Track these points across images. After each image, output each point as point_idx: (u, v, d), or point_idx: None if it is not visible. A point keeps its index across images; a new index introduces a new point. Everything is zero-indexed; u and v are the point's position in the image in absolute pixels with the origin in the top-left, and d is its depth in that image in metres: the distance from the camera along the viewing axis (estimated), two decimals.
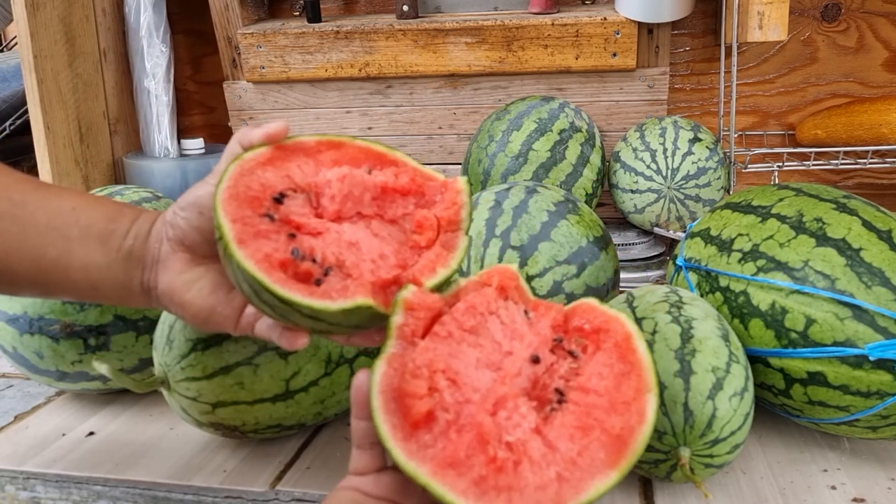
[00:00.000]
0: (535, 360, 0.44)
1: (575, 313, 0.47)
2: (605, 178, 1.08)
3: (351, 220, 0.47)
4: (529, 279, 0.67)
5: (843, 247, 0.57)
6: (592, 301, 0.47)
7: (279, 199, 0.46)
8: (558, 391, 0.43)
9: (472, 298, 0.46)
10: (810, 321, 0.56)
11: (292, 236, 0.45)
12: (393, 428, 0.39)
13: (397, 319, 0.43)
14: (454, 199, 0.48)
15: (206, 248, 0.49)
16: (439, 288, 0.46)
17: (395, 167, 0.49)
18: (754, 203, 0.66)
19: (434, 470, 0.38)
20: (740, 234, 0.64)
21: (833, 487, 0.57)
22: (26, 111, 1.17)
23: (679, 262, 0.71)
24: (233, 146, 0.49)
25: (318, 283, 0.43)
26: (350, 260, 0.45)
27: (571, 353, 0.45)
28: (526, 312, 0.47)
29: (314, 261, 0.44)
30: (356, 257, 0.46)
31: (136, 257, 0.50)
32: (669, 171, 1.00)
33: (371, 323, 0.46)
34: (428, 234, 0.48)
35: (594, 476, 0.39)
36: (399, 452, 0.39)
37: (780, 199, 0.64)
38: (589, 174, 1.02)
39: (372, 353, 0.63)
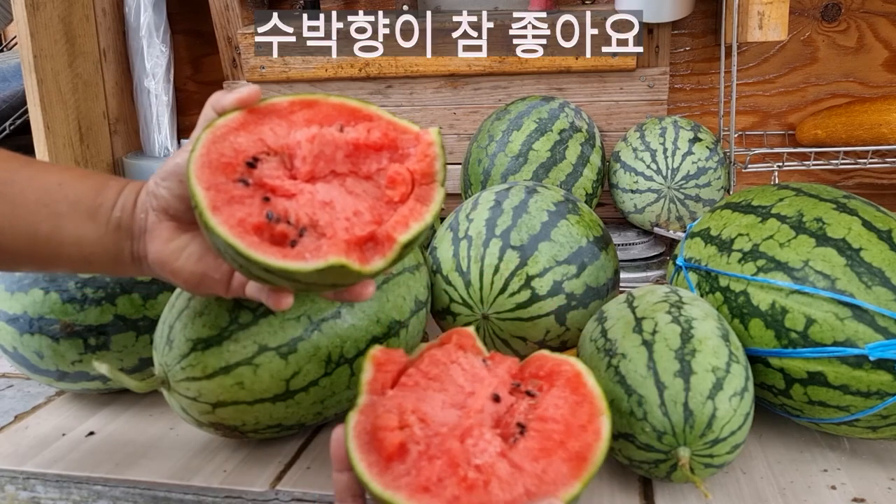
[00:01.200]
0: (496, 398, 0.48)
1: (529, 363, 0.52)
2: (605, 178, 1.08)
3: (325, 180, 0.48)
4: (529, 279, 0.67)
5: (843, 247, 0.57)
6: (544, 352, 0.52)
7: (252, 164, 0.46)
8: (520, 425, 0.46)
9: (434, 352, 0.50)
10: (810, 321, 0.56)
11: (266, 200, 0.45)
12: (369, 465, 0.41)
13: (366, 376, 0.47)
14: (426, 151, 0.48)
15: (191, 216, 0.49)
16: (411, 243, 0.46)
17: (369, 122, 0.49)
18: (754, 203, 0.66)
19: (410, 495, 0.40)
20: (740, 234, 0.64)
21: (833, 487, 0.57)
22: (26, 111, 1.17)
23: (679, 262, 0.71)
24: (207, 112, 0.49)
25: (293, 244, 0.44)
26: (324, 219, 0.46)
27: (529, 394, 0.49)
28: (484, 361, 0.51)
29: (289, 223, 0.45)
30: (330, 216, 0.46)
31: (125, 229, 0.51)
32: (669, 171, 1.00)
33: (348, 280, 0.47)
34: (401, 189, 0.48)
35: (559, 488, 0.42)
36: (376, 485, 0.40)
37: (780, 199, 0.64)
38: (589, 174, 1.02)
39: None
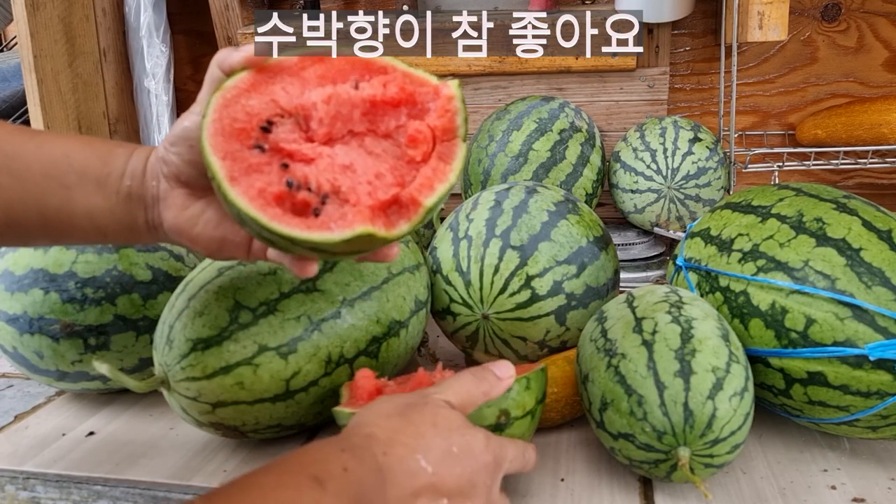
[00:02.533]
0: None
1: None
2: (605, 178, 1.08)
3: (343, 141, 0.46)
4: (529, 279, 0.67)
5: (843, 247, 0.57)
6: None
7: (267, 128, 0.44)
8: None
9: None
10: (810, 321, 0.56)
11: (285, 166, 0.44)
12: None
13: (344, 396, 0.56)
14: (446, 105, 0.46)
15: (204, 181, 0.47)
16: (436, 205, 0.45)
17: (384, 75, 0.47)
18: (754, 203, 0.66)
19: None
20: (740, 234, 0.64)
21: (833, 487, 0.57)
22: (26, 111, 1.17)
23: (679, 262, 0.71)
24: (213, 72, 0.47)
25: (315, 213, 0.43)
26: (346, 185, 0.44)
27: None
28: None
29: (310, 189, 0.43)
30: (352, 181, 0.44)
31: (136, 197, 0.49)
32: (669, 171, 1.00)
33: (374, 247, 0.46)
34: (423, 148, 0.46)
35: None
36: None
37: (780, 199, 0.64)
38: (589, 174, 1.02)
39: (372, 353, 0.63)
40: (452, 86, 0.47)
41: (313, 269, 0.48)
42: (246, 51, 0.45)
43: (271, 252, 0.49)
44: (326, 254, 0.46)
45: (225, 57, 0.46)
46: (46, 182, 0.48)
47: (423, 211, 0.44)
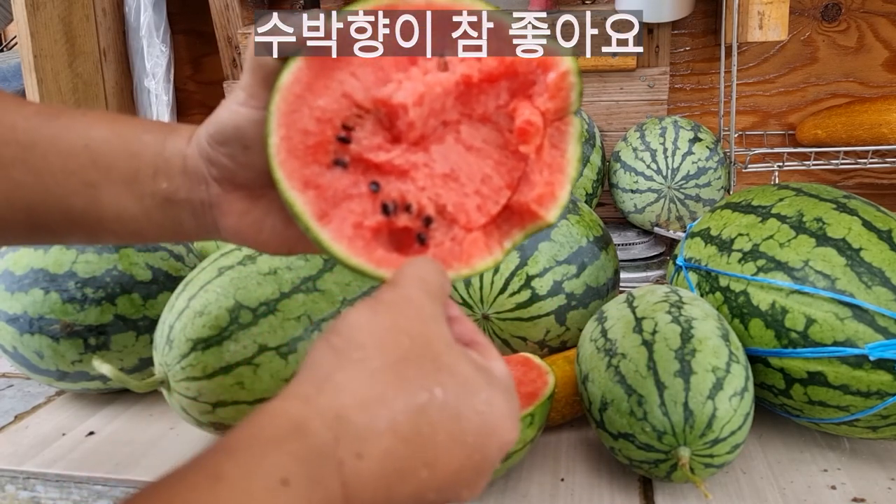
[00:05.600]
0: None
1: None
2: (605, 177, 1.08)
3: (437, 138, 0.38)
4: (529, 279, 0.67)
5: (843, 247, 0.57)
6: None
7: (345, 138, 0.36)
8: None
9: None
10: (810, 321, 0.56)
11: (375, 186, 0.37)
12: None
13: None
14: (561, 84, 0.38)
15: (265, 179, 0.39)
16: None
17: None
18: (754, 203, 0.66)
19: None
20: (740, 234, 0.64)
21: (833, 487, 0.57)
22: None
23: (679, 262, 0.71)
24: (258, 60, 0.38)
25: (421, 239, 0.37)
26: (452, 200, 0.37)
27: None
28: None
29: (408, 209, 0.37)
30: (457, 193, 0.38)
31: (179, 202, 0.41)
32: (669, 171, 1.00)
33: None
34: (535, 142, 0.38)
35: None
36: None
37: (780, 199, 0.64)
38: (589, 174, 1.02)
39: None
40: (567, 61, 0.39)
41: None
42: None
43: None
44: None
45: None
46: (67, 179, 0.40)
47: (542, 224, 0.38)
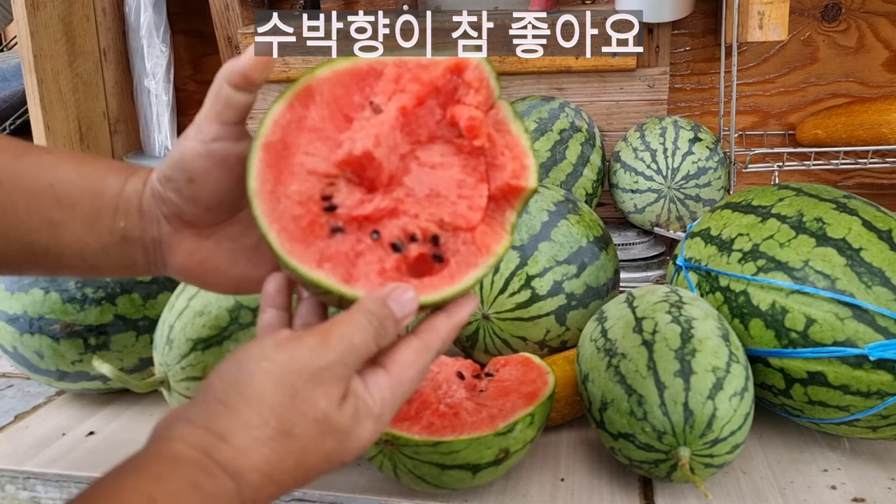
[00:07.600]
0: (461, 375, 0.58)
1: (487, 364, 0.62)
2: (605, 177, 1.08)
3: (403, 170, 0.41)
4: (529, 279, 0.67)
5: (843, 247, 0.57)
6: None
7: (331, 206, 0.39)
8: (481, 390, 0.57)
9: None
10: (810, 321, 0.56)
11: (376, 234, 0.39)
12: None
13: None
14: (479, 76, 0.41)
15: (210, 217, 0.42)
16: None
17: (396, 79, 0.41)
18: (754, 203, 0.66)
19: (393, 424, 0.50)
20: (740, 234, 0.64)
21: (833, 487, 0.57)
22: (26, 111, 1.18)
23: (679, 261, 0.71)
24: (222, 90, 0.40)
25: (437, 258, 0.40)
26: (445, 212, 0.40)
27: (488, 374, 0.60)
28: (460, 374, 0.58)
29: (413, 238, 0.39)
30: (446, 205, 0.40)
31: (134, 240, 0.43)
32: (669, 171, 1.00)
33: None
34: (484, 132, 0.41)
35: (515, 412, 0.52)
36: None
37: (780, 199, 0.64)
38: (589, 174, 1.02)
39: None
40: (475, 59, 0.41)
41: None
42: (248, 55, 0.39)
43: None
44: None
45: (231, 68, 0.40)
46: (30, 216, 0.42)
47: (527, 194, 0.41)
